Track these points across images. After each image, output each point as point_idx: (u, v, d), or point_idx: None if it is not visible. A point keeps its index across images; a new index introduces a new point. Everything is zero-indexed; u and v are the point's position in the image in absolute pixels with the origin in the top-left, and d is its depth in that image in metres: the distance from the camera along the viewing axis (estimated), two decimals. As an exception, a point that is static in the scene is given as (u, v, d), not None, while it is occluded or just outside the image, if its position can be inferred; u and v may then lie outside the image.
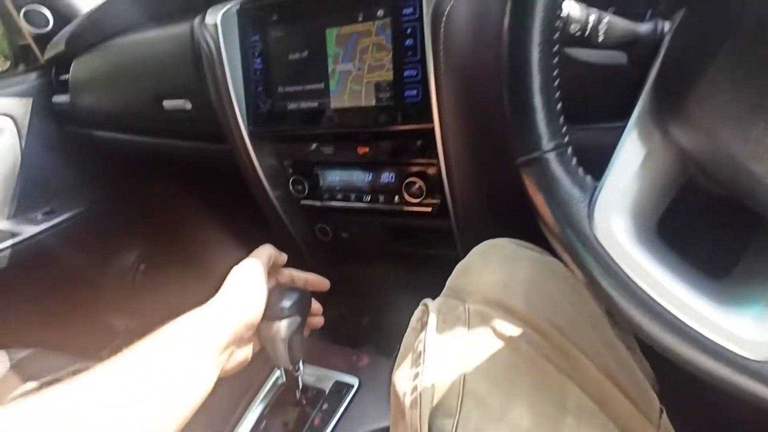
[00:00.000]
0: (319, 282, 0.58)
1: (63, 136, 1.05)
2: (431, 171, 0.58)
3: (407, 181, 0.58)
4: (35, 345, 0.89)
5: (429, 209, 0.60)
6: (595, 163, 0.31)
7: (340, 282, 0.84)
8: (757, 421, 0.61)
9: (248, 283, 0.47)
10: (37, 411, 0.32)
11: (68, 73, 0.95)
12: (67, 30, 0.94)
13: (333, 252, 0.79)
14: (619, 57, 0.47)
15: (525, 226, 0.51)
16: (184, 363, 0.38)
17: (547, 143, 0.29)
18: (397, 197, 0.61)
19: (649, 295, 0.28)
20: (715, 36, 0.26)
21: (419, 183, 0.58)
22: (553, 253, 0.45)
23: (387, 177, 0.61)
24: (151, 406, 0.36)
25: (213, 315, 0.43)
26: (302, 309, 0.52)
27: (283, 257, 0.57)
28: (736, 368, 0.26)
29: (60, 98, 1.00)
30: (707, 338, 0.27)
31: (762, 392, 0.26)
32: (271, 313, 0.48)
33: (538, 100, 0.29)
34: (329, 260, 0.80)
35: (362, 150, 0.61)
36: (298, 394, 0.62)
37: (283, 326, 0.49)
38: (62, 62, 0.97)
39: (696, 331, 0.27)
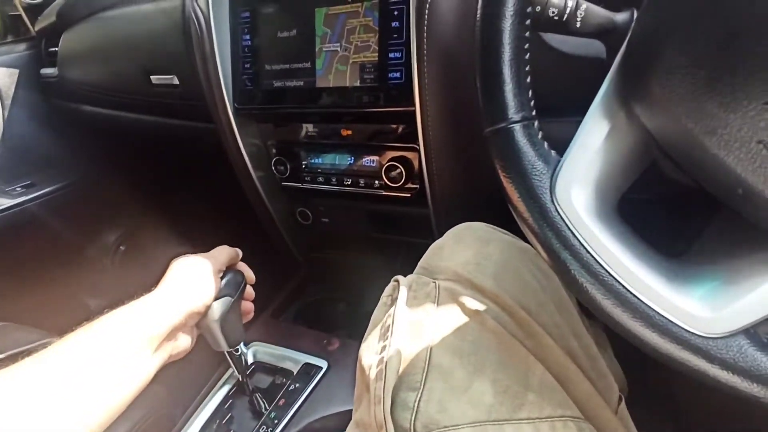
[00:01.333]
0: (249, 273, 0.56)
1: (49, 109, 1.04)
2: (411, 156, 0.58)
3: (387, 165, 0.59)
4: (7, 320, 0.87)
5: (408, 195, 0.60)
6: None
7: (318, 267, 0.84)
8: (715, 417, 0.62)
9: (194, 273, 0.46)
10: None
11: (58, 45, 0.94)
12: (59, 1, 0.93)
13: (313, 237, 0.78)
14: (596, 49, 0.49)
15: (500, 214, 0.51)
16: (115, 355, 0.37)
17: (513, 114, 0.30)
18: (377, 181, 0.62)
19: (604, 269, 0.29)
20: (675, 17, 0.27)
21: (399, 168, 0.58)
22: (525, 239, 0.46)
23: (368, 161, 0.62)
24: (79, 398, 0.34)
25: (151, 306, 0.42)
26: (234, 289, 0.50)
27: (239, 257, 0.55)
28: (681, 344, 0.27)
29: (48, 71, 0.99)
30: (657, 313, 0.28)
31: (704, 367, 0.27)
32: None
33: (507, 71, 0.30)
34: (309, 245, 0.80)
35: (345, 132, 0.61)
36: (242, 378, 0.60)
37: (214, 307, 0.47)
38: (52, 34, 0.96)
39: (646, 305, 0.28)
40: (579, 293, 0.29)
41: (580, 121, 0.32)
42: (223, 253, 0.50)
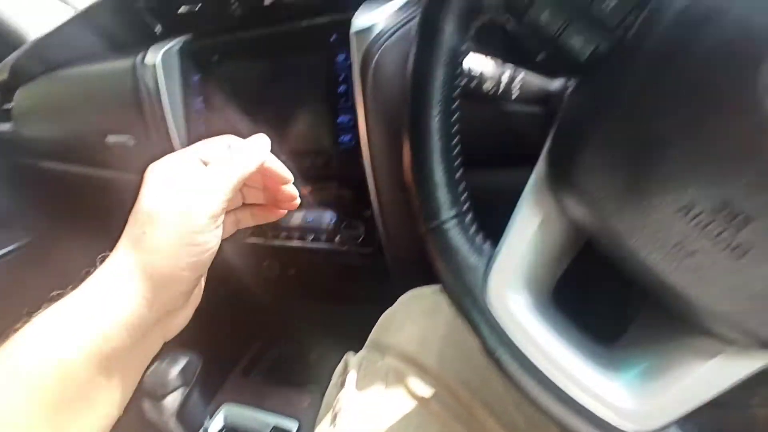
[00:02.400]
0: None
1: (5, 165, 1.01)
2: (369, 214, 0.58)
3: (346, 222, 0.59)
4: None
5: (369, 250, 0.60)
6: (510, 206, 0.30)
7: (288, 318, 0.83)
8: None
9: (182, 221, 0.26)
10: None
11: (11, 101, 0.92)
12: (11, 57, 0.91)
13: (281, 288, 0.77)
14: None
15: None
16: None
17: (446, 212, 0.30)
18: (338, 238, 0.61)
19: (540, 365, 0.29)
20: (598, 112, 0.27)
21: (359, 225, 0.58)
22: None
23: (328, 218, 0.61)
24: None
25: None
26: (189, 376, 0.47)
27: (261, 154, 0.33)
28: None
29: (2, 127, 0.97)
30: (588, 410, 0.28)
31: None
32: (153, 391, 0.45)
33: (438, 172, 0.30)
34: (278, 296, 0.79)
35: (304, 190, 0.61)
36: None
37: (168, 403, 0.45)
38: (6, 90, 0.94)
39: (580, 401, 0.28)
40: (517, 388, 0.29)
41: (511, 174, 0.31)
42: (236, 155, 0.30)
